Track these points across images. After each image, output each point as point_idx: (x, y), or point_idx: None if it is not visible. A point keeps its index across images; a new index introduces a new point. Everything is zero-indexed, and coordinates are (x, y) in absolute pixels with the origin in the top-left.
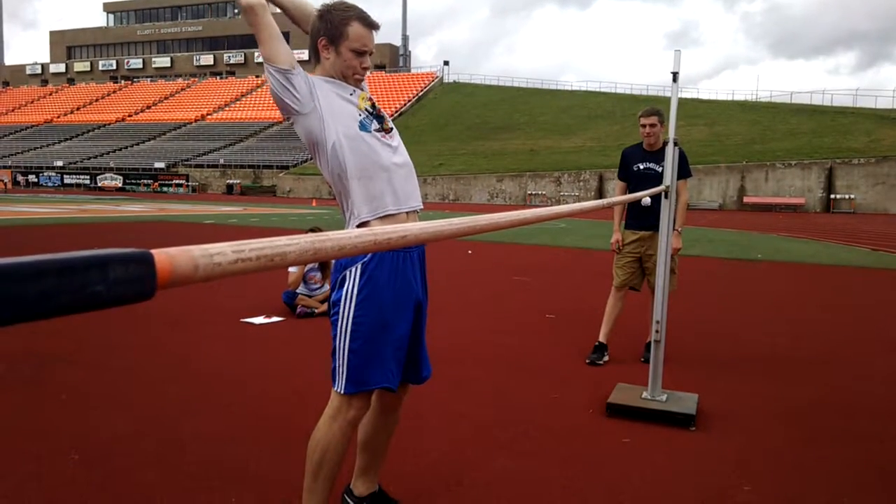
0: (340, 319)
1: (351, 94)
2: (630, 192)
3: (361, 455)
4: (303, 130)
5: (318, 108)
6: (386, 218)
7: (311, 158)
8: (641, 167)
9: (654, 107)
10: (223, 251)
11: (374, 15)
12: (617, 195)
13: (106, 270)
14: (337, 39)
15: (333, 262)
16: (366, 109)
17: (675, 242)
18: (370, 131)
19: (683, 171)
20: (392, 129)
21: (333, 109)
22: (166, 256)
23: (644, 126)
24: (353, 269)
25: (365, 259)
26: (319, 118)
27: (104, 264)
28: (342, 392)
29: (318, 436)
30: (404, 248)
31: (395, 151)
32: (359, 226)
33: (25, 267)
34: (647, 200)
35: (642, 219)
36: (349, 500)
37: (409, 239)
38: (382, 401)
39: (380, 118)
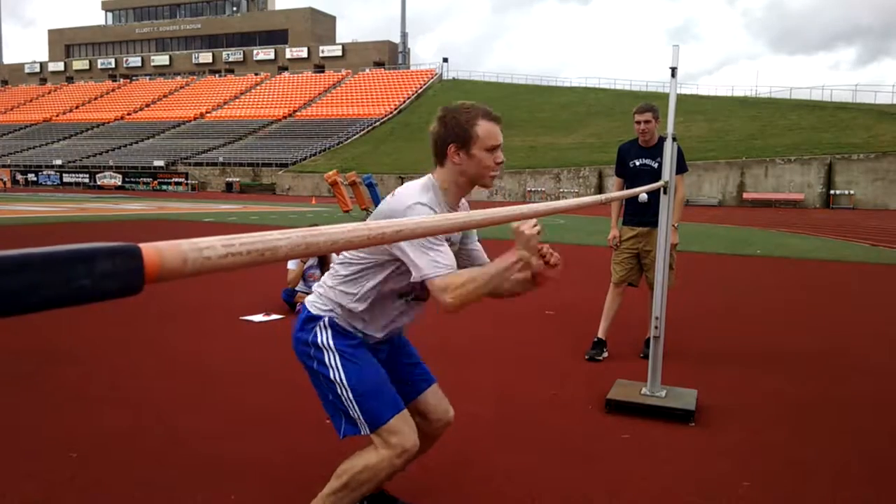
0: (332, 377)
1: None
2: (627, 188)
3: None
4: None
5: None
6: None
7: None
8: (637, 163)
9: (648, 103)
10: (213, 245)
11: (373, 12)
12: (614, 191)
13: (92, 264)
14: (468, 142)
15: (301, 318)
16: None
17: (672, 238)
18: (407, 300)
19: (680, 167)
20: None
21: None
22: (154, 250)
23: (639, 122)
24: (324, 324)
25: (336, 316)
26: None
27: (90, 258)
28: (371, 433)
29: (357, 463)
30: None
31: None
32: (327, 323)
33: (9, 260)
34: (643, 197)
35: (639, 215)
36: None
37: (404, 233)
38: (423, 430)
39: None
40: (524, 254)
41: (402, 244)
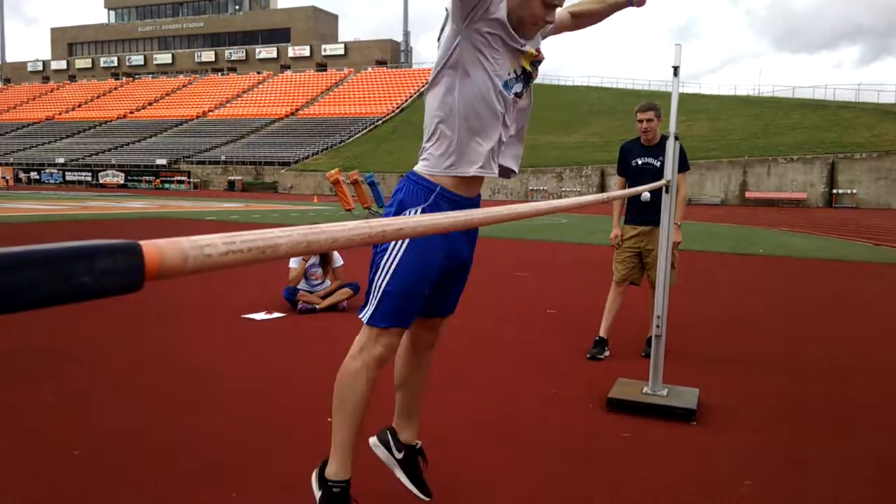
0: (387, 257)
1: (521, 47)
2: (629, 187)
3: (399, 395)
4: (449, 43)
5: (483, 34)
6: (460, 179)
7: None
8: (640, 162)
9: (650, 102)
10: (213, 243)
11: (375, 11)
12: (616, 190)
13: (93, 261)
14: None
15: (393, 197)
16: (521, 69)
17: (674, 236)
18: (509, 95)
19: (682, 165)
20: (527, 91)
21: (492, 49)
22: (155, 248)
23: (641, 121)
24: (414, 212)
25: (426, 205)
26: (475, 47)
27: (91, 255)
28: (367, 322)
29: (342, 370)
30: (465, 201)
31: (514, 121)
32: (428, 169)
33: (10, 257)
34: (646, 196)
35: (642, 214)
36: (390, 438)
37: (405, 232)
38: (417, 338)
39: (527, 80)
40: None
41: None
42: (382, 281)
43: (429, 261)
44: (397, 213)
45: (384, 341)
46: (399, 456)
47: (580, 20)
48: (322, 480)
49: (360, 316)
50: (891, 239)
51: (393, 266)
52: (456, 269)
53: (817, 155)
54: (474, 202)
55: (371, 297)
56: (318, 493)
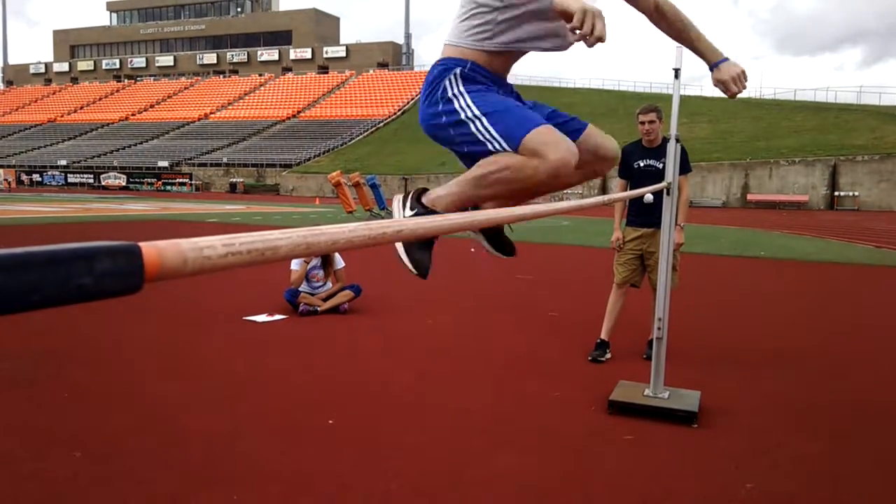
0: (463, 114)
1: None
2: (631, 189)
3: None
4: None
5: None
6: (494, 53)
7: None
8: (642, 164)
9: (651, 104)
10: (213, 244)
11: (377, 13)
12: (618, 191)
13: (92, 263)
14: None
15: (429, 76)
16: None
17: (677, 238)
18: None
19: (684, 167)
20: None
21: None
22: (154, 249)
23: (643, 123)
24: (452, 79)
25: (464, 68)
26: None
27: (90, 257)
28: (517, 145)
29: (502, 161)
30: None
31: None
32: (462, 40)
33: (10, 258)
34: (649, 197)
35: (644, 216)
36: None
37: (405, 233)
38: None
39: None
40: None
41: None
42: (481, 124)
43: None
44: (438, 79)
45: (540, 142)
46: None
47: (659, 20)
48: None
49: (499, 148)
50: (893, 241)
51: (474, 107)
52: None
53: (819, 157)
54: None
55: (491, 146)
56: (408, 212)
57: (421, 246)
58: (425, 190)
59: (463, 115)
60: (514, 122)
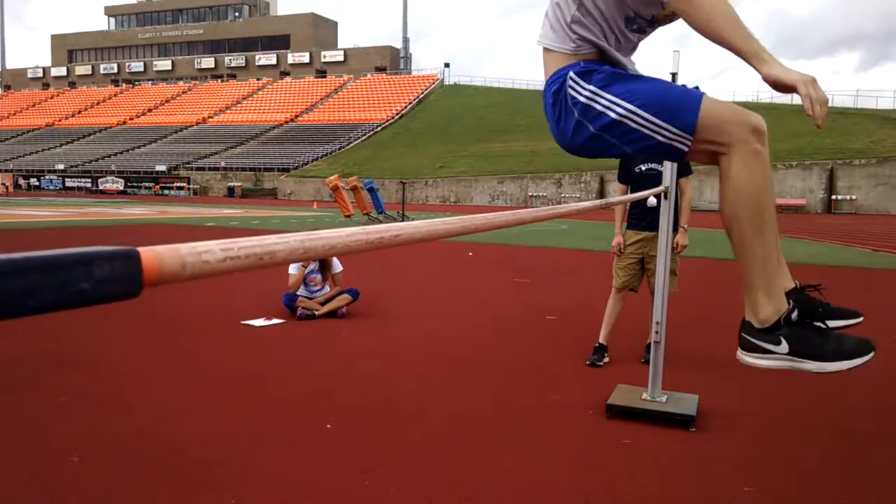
0: (616, 113)
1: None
2: (632, 192)
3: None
4: None
5: None
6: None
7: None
8: (643, 168)
9: None
10: (211, 249)
11: (375, 17)
12: (617, 196)
13: (91, 268)
14: None
15: (546, 96)
16: (651, 17)
17: (681, 240)
18: (627, 28)
19: (685, 170)
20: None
21: None
22: (153, 254)
23: None
24: (574, 83)
25: (577, 69)
26: None
27: (89, 262)
28: (694, 132)
29: (739, 179)
30: None
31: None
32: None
33: (9, 264)
34: (652, 201)
35: (646, 219)
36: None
37: (402, 238)
38: None
39: (652, 26)
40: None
41: None
42: (642, 116)
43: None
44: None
45: (714, 117)
46: (793, 315)
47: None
48: (762, 334)
49: (687, 146)
50: (890, 245)
51: (623, 102)
52: None
53: (816, 161)
54: None
55: (665, 133)
56: (758, 337)
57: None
58: (748, 326)
59: (612, 115)
60: (674, 103)
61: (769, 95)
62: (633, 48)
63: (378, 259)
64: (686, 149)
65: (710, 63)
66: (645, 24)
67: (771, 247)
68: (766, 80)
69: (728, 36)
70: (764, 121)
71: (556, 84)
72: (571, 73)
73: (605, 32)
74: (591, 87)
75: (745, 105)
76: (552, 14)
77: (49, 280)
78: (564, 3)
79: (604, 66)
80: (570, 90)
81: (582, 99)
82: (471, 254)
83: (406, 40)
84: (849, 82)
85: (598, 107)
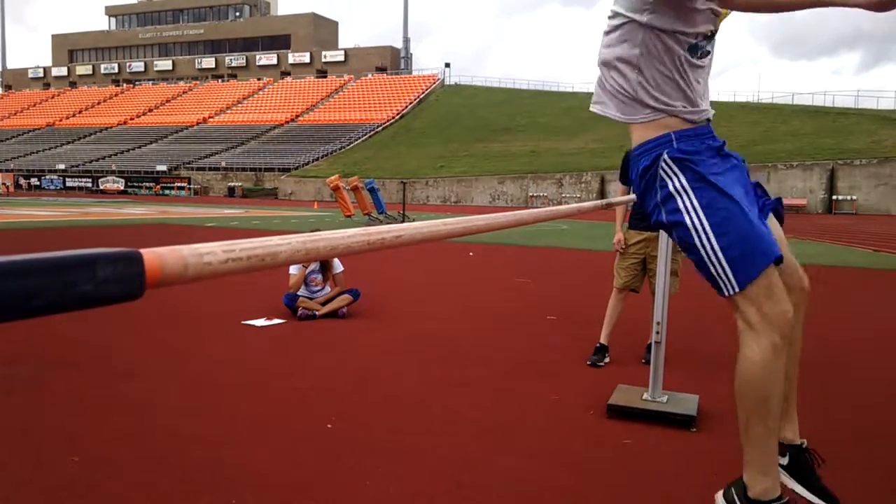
0: (690, 220)
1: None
2: (634, 193)
3: None
4: None
5: None
6: (687, 117)
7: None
8: None
9: None
10: (213, 251)
11: (376, 17)
12: (619, 197)
13: (94, 269)
14: None
15: (635, 165)
16: (710, 32)
17: None
18: (694, 58)
19: None
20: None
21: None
22: (155, 256)
23: None
24: (666, 167)
25: (671, 150)
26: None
27: (92, 263)
28: (739, 289)
29: (748, 361)
30: (707, 128)
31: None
32: (647, 110)
33: (13, 265)
34: None
35: (648, 219)
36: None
37: (404, 239)
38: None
39: (712, 40)
40: None
41: None
42: (709, 245)
43: (721, 184)
44: (661, 188)
45: (767, 293)
46: (784, 461)
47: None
48: (746, 502)
49: (728, 294)
50: (891, 245)
51: (703, 224)
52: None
53: (817, 161)
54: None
55: (714, 270)
56: None
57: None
58: (741, 488)
59: (687, 221)
60: (745, 253)
61: (769, 95)
62: (706, 74)
63: (379, 259)
64: (726, 294)
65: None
66: (707, 46)
67: (772, 431)
68: (871, 6)
69: None
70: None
71: (647, 160)
72: (666, 157)
73: (674, 88)
74: (683, 183)
75: (746, 105)
76: (611, 86)
77: (53, 282)
78: (623, 70)
79: (699, 155)
80: (661, 172)
81: (669, 188)
82: (471, 254)
83: (407, 40)
84: (850, 82)
85: (680, 204)
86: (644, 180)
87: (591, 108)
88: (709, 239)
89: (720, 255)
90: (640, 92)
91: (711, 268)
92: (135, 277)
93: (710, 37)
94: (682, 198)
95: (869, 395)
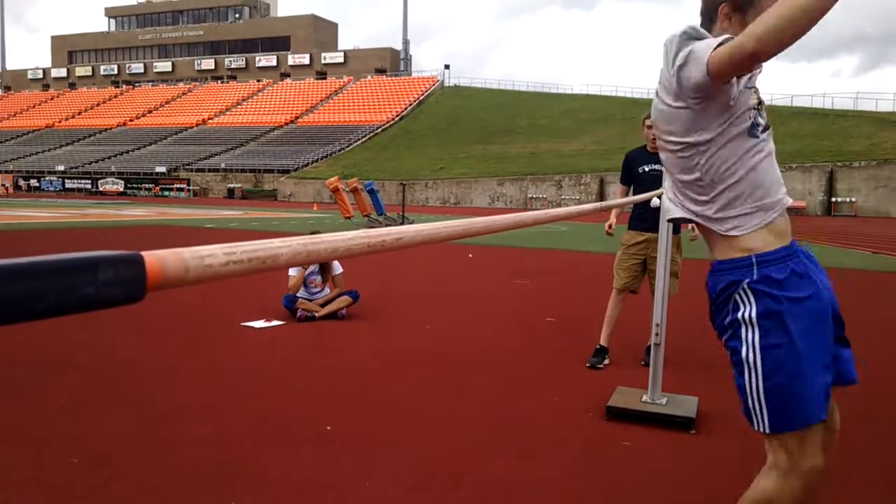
0: (745, 354)
1: (748, 79)
2: (635, 194)
3: None
4: (692, 115)
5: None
6: (768, 226)
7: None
8: (646, 169)
9: None
10: (214, 253)
11: (375, 19)
12: (618, 198)
13: (95, 272)
14: (746, 4)
15: (713, 278)
16: (758, 102)
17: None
18: (758, 136)
19: None
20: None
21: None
22: (156, 258)
23: (650, 128)
24: (743, 294)
25: (751, 278)
26: (722, 106)
27: (94, 266)
28: (770, 432)
29: (754, 493)
30: (790, 248)
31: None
32: (731, 237)
33: (15, 268)
34: (656, 202)
35: (649, 221)
36: None
37: (404, 241)
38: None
39: (763, 109)
40: None
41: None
42: (754, 380)
43: (794, 330)
44: (733, 306)
45: (805, 441)
46: None
47: None
48: None
49: (759, 431)
50: (890, 247)
51: (757, 359)
52: (831, 317)
53: (816, 163)
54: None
55: (751, 402)
56: None
57: None
58: None
59: (743, 354)
60: (791, 407)
61: (769, 97)
62: (771, 148)
63: (378, 261)
64: (755, 429)
65: None
66: (760, 117)
67: None
68: None
69: (808, 12)
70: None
71: (723, 282)
72: (745, 286)
73: (749, 186)
74: (753, 315)
75: None
76: (686, 206)
77: (54, 284)
78: (691, 193)
79: (779, 287)
80: (737, 298)
81: (739, 315)
82: (470, 255)
83: (406, 42)
84: (848, 85)
85: (742, 334)
86: (719, 299)
87: (671, 217)
88: (756, 378)
89: (762, 396)
90: (716, 210)
91: (749, 400)
92: (136, 280)
93: (760, 107)
94: (746, 330)
95: (869, 396)
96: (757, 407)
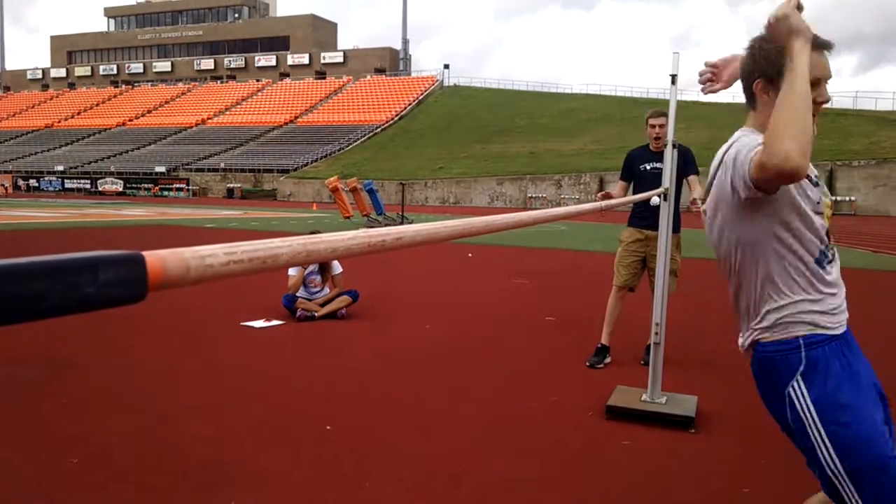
0: (814, 445)
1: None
2: (636, 192)
3: None
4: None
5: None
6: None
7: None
8: (648, 167)
9: (661, 108)
10: (215, 253)
11: (375, 19)
12: (616, 193)
13: (96, 272)
14: (777, 77)
15: (756, 360)
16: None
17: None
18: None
19: (692, 169)
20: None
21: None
22: (157, 258)
23: (654, 127)
24: (797, 388)
25: (801, 370)
26: (789, 202)
27: (95, 266)
28: (854, 471)
29: None
30: (839, 335)
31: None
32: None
33: (16, 268)
34: (655, 200)
35: (650, 219)
36: None
37: (404, 241)
38: None
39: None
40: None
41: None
42: (837, 467)
43: (850, 415)
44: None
45: None
46: None
47: None
48: None
49: (830, 475)
50: (889, 246)
51: (829, 448)
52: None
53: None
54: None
55: (846, 492)
56: None
57: None
58: None
59: (809, 436)
60: (866, 457)
61: None
62: (823, 225)
63: (378, 260)
64: (830, 483)
65: None
66: (816, 205)
67: None
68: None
69: (798, 106)
70: None
71: (769, 369)
72: (799, 377)
73: (805, 285)
74: (809, 404)
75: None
76: (742, 298)
77: (56, 285)
78: (763, 291)
79: (829, 370)
80: (791, 392)
81: (797, 408)
82: (470, 255)
83: (405, 42)
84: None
85: (806, 421)
86: (764, 382)
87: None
88: (829, 451)
89: (837, 461)
90: (769, 303)
91: (821, 458)
92: (137, 280)
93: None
94: (807, 420)
95: None
96: (833, 464)
